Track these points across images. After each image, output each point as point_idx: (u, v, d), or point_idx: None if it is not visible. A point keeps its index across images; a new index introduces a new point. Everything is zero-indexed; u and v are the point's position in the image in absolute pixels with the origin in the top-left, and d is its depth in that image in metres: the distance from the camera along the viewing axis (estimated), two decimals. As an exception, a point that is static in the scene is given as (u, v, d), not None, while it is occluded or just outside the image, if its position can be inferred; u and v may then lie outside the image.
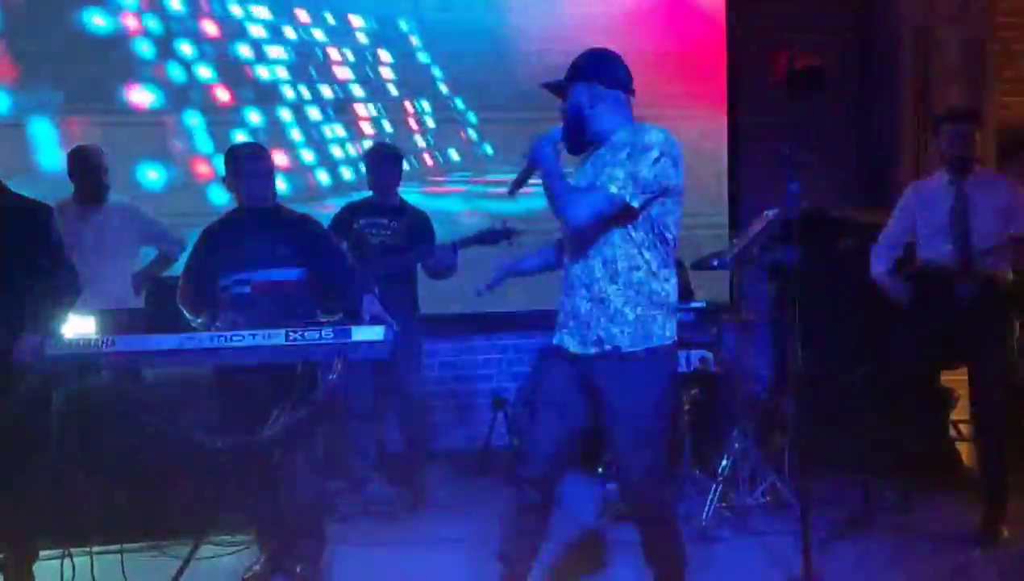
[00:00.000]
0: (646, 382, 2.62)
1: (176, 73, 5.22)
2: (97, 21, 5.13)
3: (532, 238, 4.00)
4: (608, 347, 2.61)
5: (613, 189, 2.53)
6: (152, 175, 5.20)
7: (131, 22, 5.17)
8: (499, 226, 4.15)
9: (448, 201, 5.44)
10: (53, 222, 3.41)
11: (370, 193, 4.52)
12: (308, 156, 5.36)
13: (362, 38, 5.40)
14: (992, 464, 3.76)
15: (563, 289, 2.75)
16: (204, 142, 5.26)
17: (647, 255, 2.60)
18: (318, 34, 5.36)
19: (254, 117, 5.31)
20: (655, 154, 2.53)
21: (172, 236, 4.68)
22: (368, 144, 5.17)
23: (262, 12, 5.29)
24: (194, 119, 5.25)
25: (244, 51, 5.28)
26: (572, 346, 2.69)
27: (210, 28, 5.26)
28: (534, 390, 2.88)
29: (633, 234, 2.59)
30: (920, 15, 5.27)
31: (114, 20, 5.16)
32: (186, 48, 5.23)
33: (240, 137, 5.12)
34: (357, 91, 5.41)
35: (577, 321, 2.66)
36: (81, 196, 4.46)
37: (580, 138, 2.72)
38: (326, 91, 5.38)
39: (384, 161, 4.48)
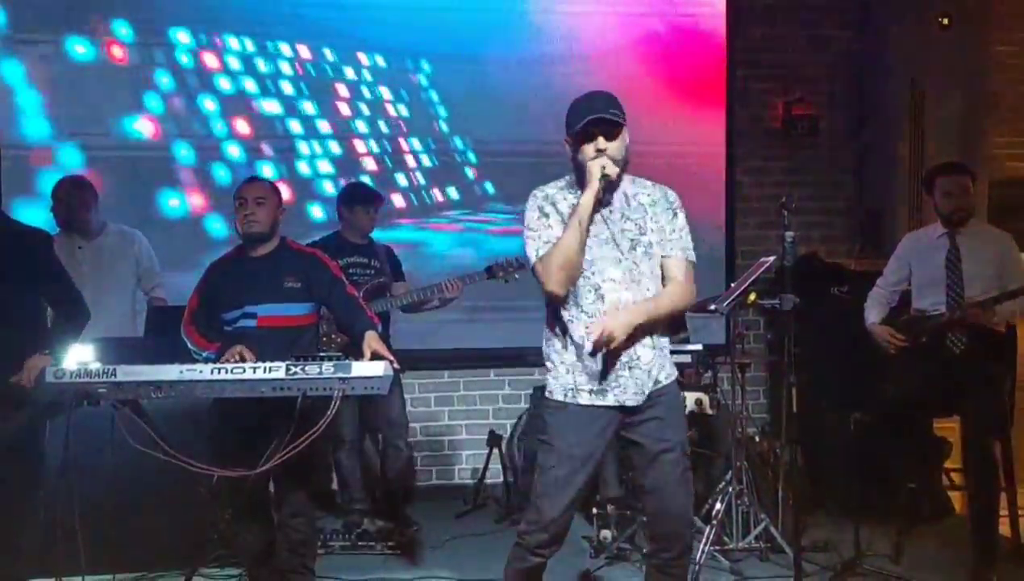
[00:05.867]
0: (682, 418, 2.86)
1: (178, 104, 5.26)
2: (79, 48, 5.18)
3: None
4: (663, 383, 2.74)
5: (693, 257, 2.79)
6: (152, 206, 5.23)
7: (125, 52, 5.22)
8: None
9: (443, 238, 5.49)
10: (52, 248, 3.44)
11: (334, 232, 4.54)
12: (306, 191, 5.39)
13: (366, 75, 5.46)
14: (982, 513, 3.77)
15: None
16: (202, 174, 5.29)
17: None
18: (321, 69, 5.41)
19: (263, 150, 5.35)
20: None
21: (159, 274, 4.67)
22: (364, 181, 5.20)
23: (266, 47, 5.36)
24: (191, 151, 5.28)
25: (249, 85, 5.34)
26: (628, 400, 2.68)
27: (211, 61, 5.32)
28: (542, 448, 2.78)
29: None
30: (915, 69, 5.37)
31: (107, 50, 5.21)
32: (188, 79, 5.28)
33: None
34: (361, 127, 5.46)
35: (637, 370, 2.67)
36: (67, 228, 4.41)
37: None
38: (325, 126, 5.43)
39: (370, 202, 4.52)
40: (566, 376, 2.72)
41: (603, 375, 2.66)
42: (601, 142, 2.62)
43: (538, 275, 2.68)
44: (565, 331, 2.72)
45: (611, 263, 2.67)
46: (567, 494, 2.67)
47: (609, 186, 2.65)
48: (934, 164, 4.16)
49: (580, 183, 2.68)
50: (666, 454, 2.68)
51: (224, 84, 5.31)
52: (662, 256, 2.74)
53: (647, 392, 2.68)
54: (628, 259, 2.68)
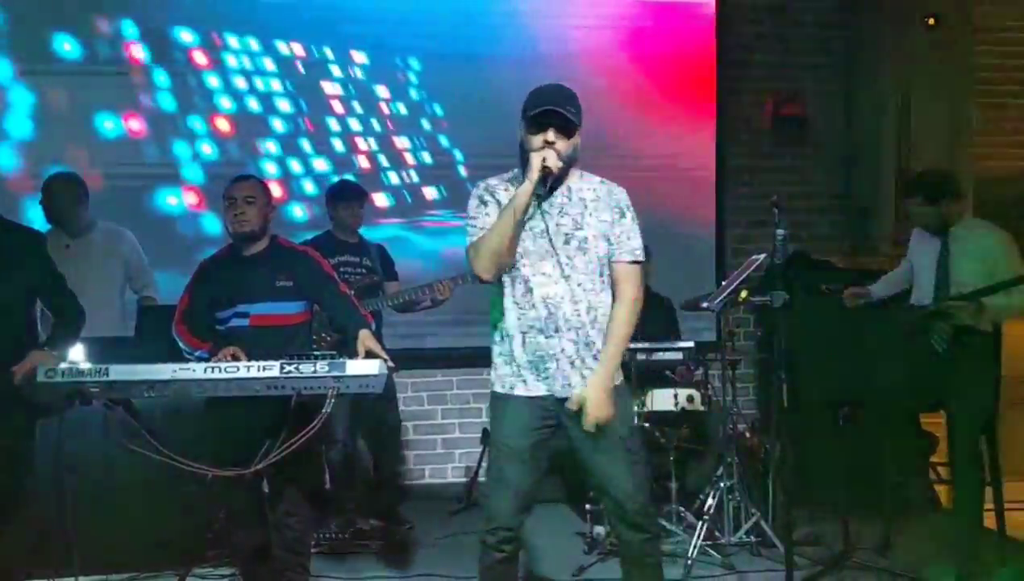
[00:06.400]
0: (627, 410, 2.84)
1: (168, 102, 5.26)
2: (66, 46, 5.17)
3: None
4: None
5: (642, 257, 2.78)
6: (142, 204, 5.21)
7: (118, 51, 5.22)
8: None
9: (434, 237, 5.50)
10: (46, 248, 3.43)
11: (325, 231, 4.56)
12: (297, 189, 5.40)
13: (357, 73, 5.47)
14: (967, 506, 3.81)
15: (534, 330, 2.69)
16: (193, 173, 5.29)
17: (609, 300, 2.77)
18: (313, 68, 5.41)
19: (255, 148, 5.35)
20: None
21: (149, 273, 4.67)
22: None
23: (256, 44, 5.35)
24: (182, 148, 5.27)
25: (239, 82, 5.33)
26: (559, 391, 2.69)
27: (200, 58, 5.32)
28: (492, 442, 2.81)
29: (604, 281, 2.76)
30: (901, 68, 5.41)
31: (107, 49, 5.21)
32: (180, 77, 5.27)
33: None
34: (353, 125, 5.46)
35: (559, 362, 2.68)
36: (56, 224, 4.40)
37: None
38: (316, 124, 5.41)
39: (353, 199, 4.53)
40: (504, 367, 2.75)
41: (536, 366, 2.69)
42: (551, 135, 2.63)
43: (469, 259, 2.73)
44: (501, 323, 2.75)
45: (544, 257, 2.69)
46: (507, 488, 2.69)
47: (546, 179, 2.62)
48: (919, 166, 4.22)
49: (525, 171, 2.65)
50: (605, 460, 2.69)
51: (213, 81, 5.30)
52: (611, 261, 2.74)
53: (577, 388, 2.66)
54: (561, 253, 2.68)
